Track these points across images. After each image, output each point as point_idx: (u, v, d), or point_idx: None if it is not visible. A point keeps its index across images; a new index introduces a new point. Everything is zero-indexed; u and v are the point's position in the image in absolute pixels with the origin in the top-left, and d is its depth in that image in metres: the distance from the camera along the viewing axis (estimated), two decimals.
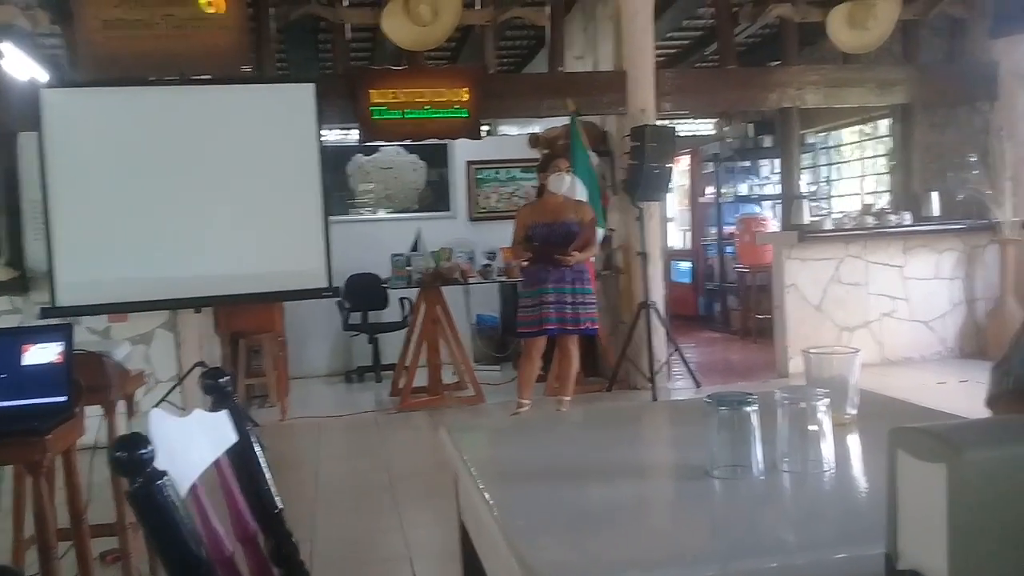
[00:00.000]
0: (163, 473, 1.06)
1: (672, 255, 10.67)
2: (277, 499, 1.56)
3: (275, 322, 6.19)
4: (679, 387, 6.44)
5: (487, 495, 1.31)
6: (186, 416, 1.35)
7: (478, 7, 6.26)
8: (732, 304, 9.41)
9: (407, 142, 7.55)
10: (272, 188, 5.43)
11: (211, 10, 5.52)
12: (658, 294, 6.45)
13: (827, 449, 1.30)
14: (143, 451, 1.04)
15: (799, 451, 1.31)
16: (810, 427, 1.30)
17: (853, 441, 1.48)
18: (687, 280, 10.47)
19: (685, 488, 1.37)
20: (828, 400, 1.32)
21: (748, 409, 1.28)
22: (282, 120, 5.50)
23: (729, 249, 9.52)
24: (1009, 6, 6.35)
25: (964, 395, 5.68)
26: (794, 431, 1.31)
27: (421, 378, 6.30)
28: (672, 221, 11.05)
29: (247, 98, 5.54)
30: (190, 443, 1.31)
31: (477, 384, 6.28)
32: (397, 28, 6.02)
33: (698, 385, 6.29)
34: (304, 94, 5.49)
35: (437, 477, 1.62)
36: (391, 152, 8.19)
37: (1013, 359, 1.51)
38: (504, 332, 7.84)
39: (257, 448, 1.57)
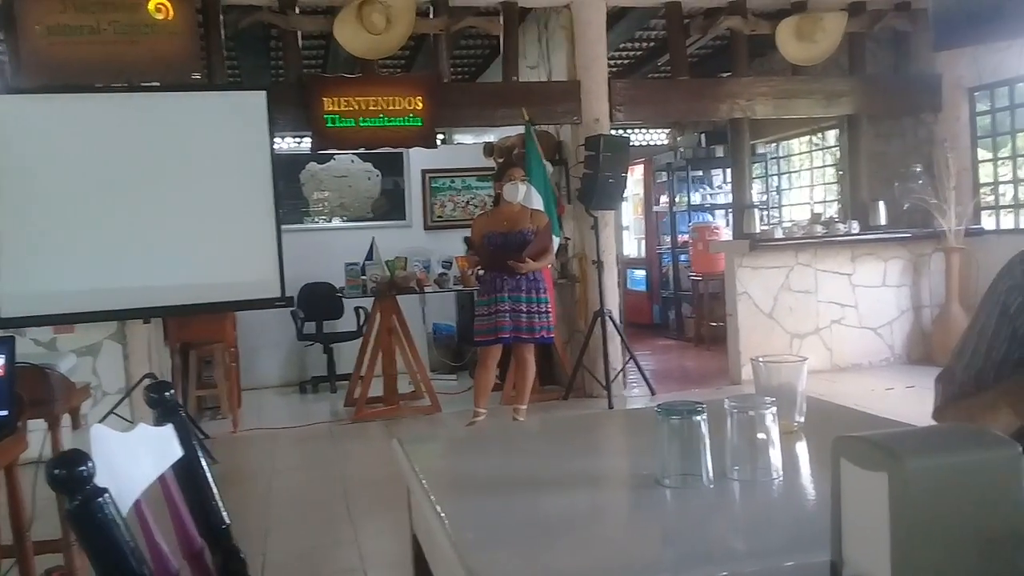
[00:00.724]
0: (104, 490, 1.03)
1: (627, 263, 10.75)
2: (224, 514, 1.53)
3: (227, 332, 6.10)
4: (635, 395, 6.48)
5: (438, 507, 1.30)
6: (129, 431, 1.32)
7: (432, 16, 6.25)
8: (686, 312, 9.51)
9: (361, 150, 7.51)
10: (223, 197, 5.36)
11: (159, 16, 5.44)
12: (613, 302, 6.48)
13: (775, 457, 1.32)
14: (82, 468, 1.01)
15: (748, 459, 1.32)
16: (758, 435, 1.32)
17: (801, 449, 1.50)
18: (642, 288, 10.56)
19: (637, 497, 1.38)
20: (776, 408, 1.34)
21: (697, 418, 1.29)
22: (233, 128, 5.43)
23: (683, 257, 9.62)
24: (951, 20, 6.52)
25: (911, 401, 5.80)
26: (743, 439, 1.32)
27: (377, 388, 6.25)
28: (627, 230, 11.14)
29: (197, 106, 5.46)
30: (133, 459, 1.28)
31: (433, 394, 6.25)
32: (350, 36, 5.99)
33: (653, 392, 6.33)
34: (256, 101, 5.44)
35: (392, 488, 1.61)
36: (345, 160, 8.13)
37: (956, 368, 1.54)
38: (461, 341, 7.83)
39: (204, 462, 1.54)
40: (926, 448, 0.79)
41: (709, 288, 8.54)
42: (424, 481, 1.45)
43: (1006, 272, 1.51)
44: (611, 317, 6.24)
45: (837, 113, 7.39)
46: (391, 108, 6.06)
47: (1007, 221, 6.99)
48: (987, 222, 7.08)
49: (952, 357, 1.57)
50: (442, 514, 1.27)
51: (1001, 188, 7.06)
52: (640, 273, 10.67)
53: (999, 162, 7.07)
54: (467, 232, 5.50)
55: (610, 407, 5.87)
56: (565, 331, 6.74)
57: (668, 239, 10.02)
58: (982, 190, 7.11)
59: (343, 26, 5.95)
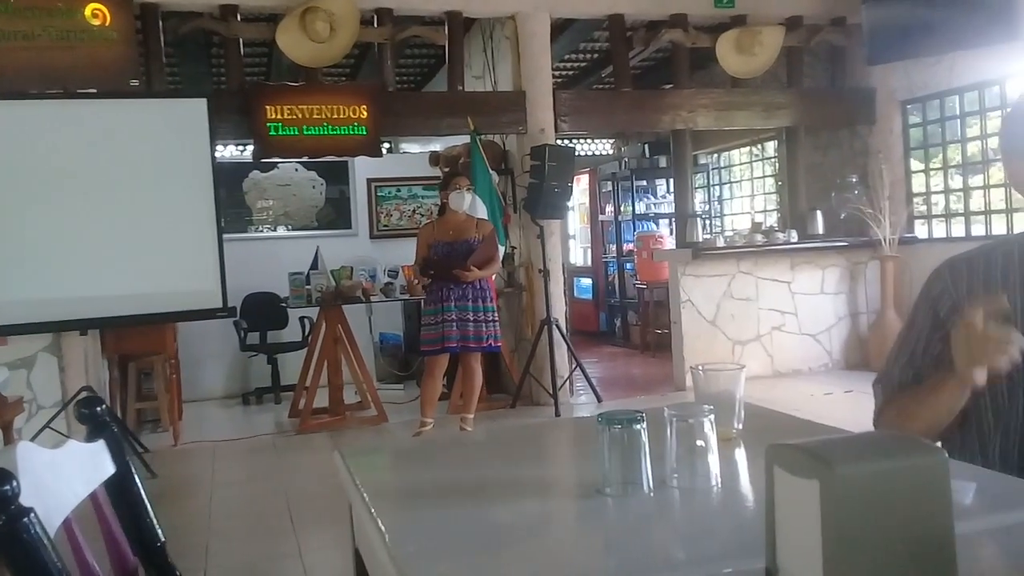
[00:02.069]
0: (29, 510, 1.00)
1: (574, 272, 10.82)
2: (159, 531, 1.50)
3: (167, 343, 5.97)
4: (582, 402, 6.52)
5: (378, 520, 1.28)
6: (58, 448, 1.28)
7: (376, 25, 6.22)
8: (632, 319, 9.60)
9: (305, 159, 7.43)
10: (163, 205, 5.26)
11: (96, 22, 5.33)
12: (560, 310, 6.51)
13: (714, 464, 1.33)
14: (6, 488, 0.97)
15: (687, 467, 1.33)
16: (697, 443, 1.33)
17: (740, 456, 1.52)
18: (589, 296, 10.64)
19: (579, 507, 1.38)
20: (714, 416, 1.35)
21: (637, 427, 1.29)
22: (173, 136, 5.35)
23: (628, 266, 9.72)
24: (884, 36, 6.72)
25: (850, 405, 5.94)
26: (682, 447, 1.33)
27: (322, 399, 6.18)
28: (573, 238, 11.22)
29: (135, 113, 5.36)
30: (62, 476, 1.24)
31: (379, 404, 6.20)
32: (293, 44, 5.93)
33: (600, 400, 6.37)
34: (196, 109, 5.36)
35: (336, 501, 1.59)
36: (289, 169, 8.05)
37: (893, 369, 1.59)
38: (408, 350, 7.78)
39: (137, 478, 1.51)
40: (856, 455, 0.81)
41: (654, 296, 8.64)
42: (365, 494, 1.43)
43: (935, 278, 1.59)
44: (557, 325, 6.26)
45: (776, 125, 7.55)
46: (335, 117, 6.02)
47: (939, 230, 7.21)
48: (920, 231, 7.29)
49: (888, 361, 1.62)
50: (382, 527, 1.25)
51: (933, 198, 7.28)
52: (586, 281, 10.75)
53: (931, 173, 7.29)
54: (414, 241, 5.47)
55: (557, 415, 5.90)
56: (512, 339, 6.75)
57: (614, 248, 10.12)
58: (915, 200, 7.32)
59: (286, 34, 5.89)
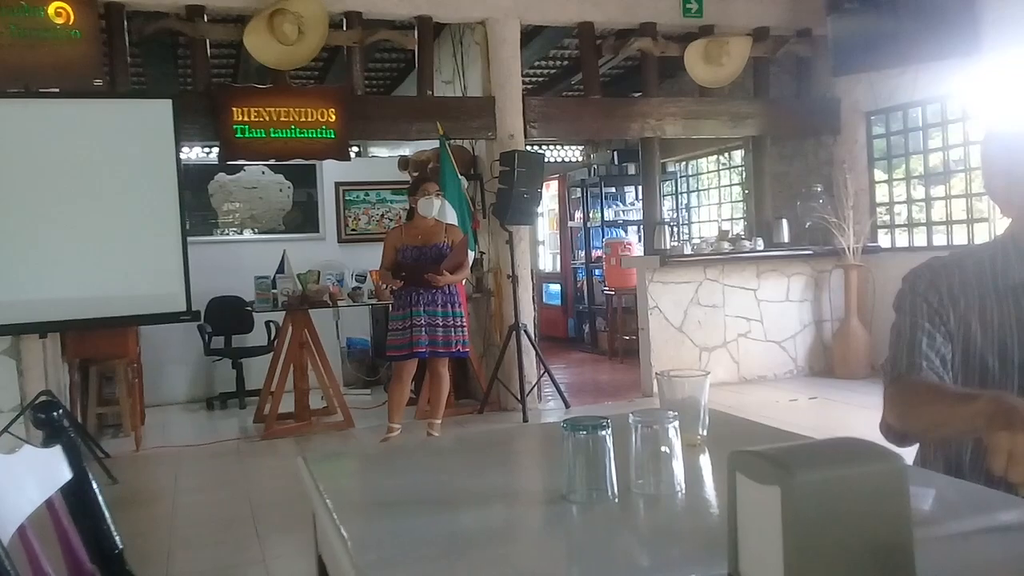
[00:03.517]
0: None
1: (543, 278, 10.84)
2: (117, 538, 1.47)
3: (129, 347, 5.87)
4: (550, 408, 6.52)
5: (341, 527, 1.27)
6: (13, 453, 1.26)
7: (345, 28, 6.19)
8: (600, 326, 9.63)
9: (272, 162, 7.37)
10: (126, 207, 5.19)
11: (59, 21, 5.25)
12: (528, 316, 6.52)
13: (678, 471, 1.34)
14: None
15: (651, 473, 1.34)
16: (662, 449, 1.33)
17: (704, 462, 1.52)
18: (557, 302, 10.66)
19: (543, 513, 1.38)
20: (679, 422, 1.36)
21: (601, 433, 1.30)
22: (137, 136, 5.29)
23: (597, 272, 9.75)
24: (848, 48, 6.82)
25: (814, 412, 6.01)
26: (646, 453, 1.34)
27: (288, 404, 6.12)
28: (543, 244, 11.24)
29: (99, 113, 5.29)
30: (16, 483, 1.22)
31: (346, 409, 6.15)
32: (261, 46, 5.88)
33: (568, 406, 6.38)
34: (161, 110, 5.31)
35: (301, 507, 1.57)
36: (256, 172, 7.97)
37: (898, 355, 1.63)
38: (375, 355, 7.74)
39: (95, 484, 1.48)
40: (816, 462, 0.81)
41: (622, 302, 8.67)
42: (328, 500, 1.42)
43: (917, 277, 1.65)
44: (526, 331, 6.26)
45: (742, 134, 7.63)
46: (303, 120, 5.98)
47: (901, 239, 7.32)
48: (883, 240, 7.40)
49: (892, 346, 1.65)
50: (344, 534, 1.24)
51: (896, 208, 7.39)
52: (555, 287, 10.77)
53: (894, 183, 7.40)
54: (382, 246, 5.44)
55: (525, 421, 5.89)
56: (480, 345, 6.74)
57: (583, 254, 10.15)
58: (878, 210, 7.43)
59: (254, 35, 5.84)
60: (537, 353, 6.45)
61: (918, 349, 1.58)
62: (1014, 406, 1.32)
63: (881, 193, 7.46)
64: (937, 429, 1.51)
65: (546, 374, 6.53)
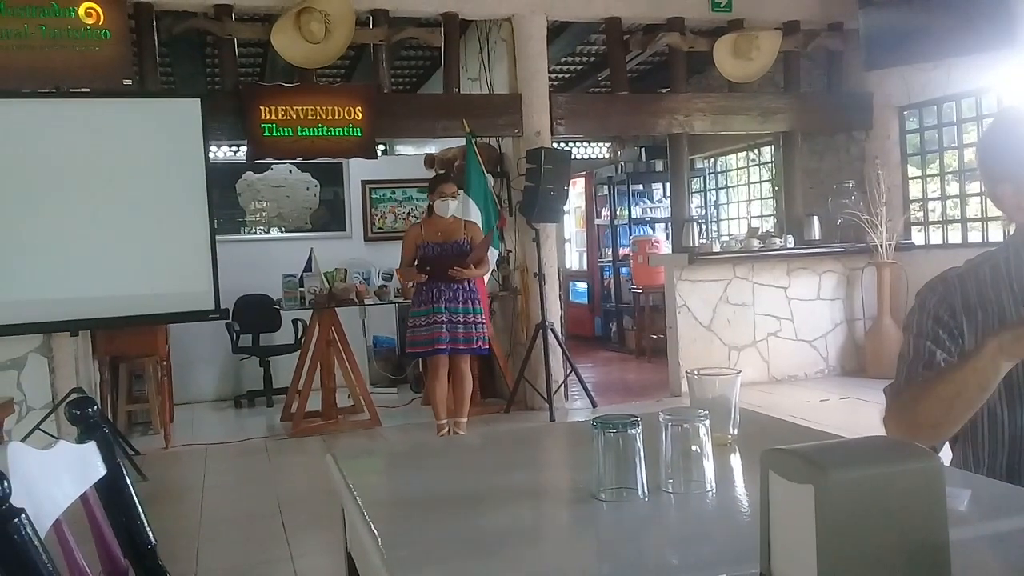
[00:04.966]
0: (20, 511, 0.99)
1: (569, 276, 10.81)
2: (150, 533, 1.48)
3: (159, 345, 5.94)
4: (577, 407, 6.50)
5: (372, 524, 1.27)
6: (49, 449, 1.27)
7: (372, 26, 6.21)
8: (628, 324, 9.59)
9: (299, 160, 7.42)
10: (155, 206, 5.24)
11: (90, 21, 5.31)
12: (555, 315, 6.50)
13: (709, 469, 1.32)
14: None
15: (682, 472, 1.32)
16: (693, 448, 1.32)
17: (735, 461, 1.51)
18: (584, 301, 10.63)
19: (573, 512, 1.37)
20: (709, 421, 1.34)
21: (632, 431, 1.28)
22: (167, 136, 5.33)
23: (624, 270, 9.71)
24: (881, 41, 6.73)
25: (845, 412, 5.93)
26: (677, 452, 1.32)
27: (315, 402, 6.16)
28: (569, 242, 11.21)
29: (129, 112, 5.34)
30: (53, 478, 1.23)
31: (373, 407, 6.18)
32: (288, 45, 5.92)
33: (595, 405, 6.36)
34: (190, 109, 5.35)
35: (329, 505, 1.58)
36: (283, 170, 8.03)
37: (903, 373, 1.60)
38: (402, 354, 7.76)
39: (129, 480, 1.49)
40: (851, 461, 0.80)
41: (650, 301, 8.62)
42: (358, 497, 1.42)
43: (929, 292, 1.62)
44: (553, 330, 6.25)
45: (772, 130, 7.54)
46: (330, 118, 6.00)
47: (936, 236, 7.22)
48: (917, 237, 7.30)
49: (899, 368, 1.62)
50: (375, 531, 1.24)
51: (930, 204, 7.29)
52: (582, 286, 10.73)
53: (927, 179, 7.29)
54: None
55: (552, 420, 5.88)
56: (507, 344, 6.74)
57: (610, 252, 10.11)
58: (912, 206, 7.33)
59: (281, 34, 5.87)
60: (564, 352, 6.44)
61: (920, 368, 1.56)
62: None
63: (914, 189, 7.36)
64: (954, 405, 1.45)
65: (573, 373, 6.51)
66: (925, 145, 7.27)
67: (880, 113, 7.37)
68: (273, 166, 7.90)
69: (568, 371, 6.50)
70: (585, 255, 10.81)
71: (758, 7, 7.00)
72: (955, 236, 7.01)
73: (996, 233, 6.64)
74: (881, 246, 6.94)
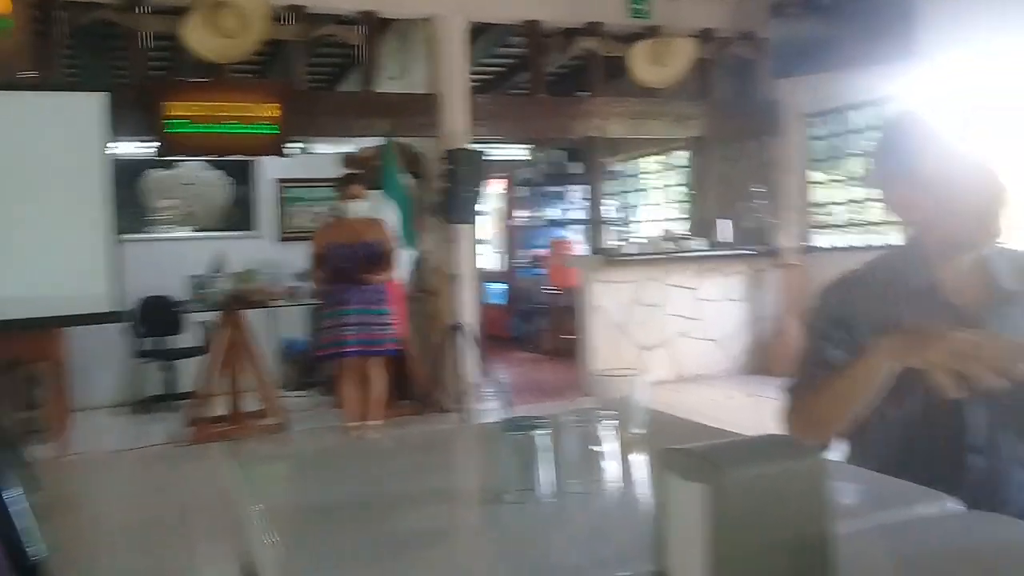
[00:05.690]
0: None
1: (486, 277, 10.80)
2: (39, 545, 1.41)
3: (55, 348, 5.66)
4: (490, 408, 6.49)
5: (271, 533, 1.24)
6: None
7: (288, 22, 6.08)
8: (543, 325, 9.64)
9: (211, 158, 7.23)
10: (52, 203, 5.03)
11: None
12: (470, 316, 6.49)
13: (613, 469, 1.33)
14: None
15: (587, 472, 1.32)
16: (597, 448, 1.32)
17: (639, 460, 1.52)
18: (500, 302, 10.64)
19: (479, 514, 1.36)
20: (615, 421, 1.35)
21: (537, 432, 1.28)
22: (68, 130, 5.12)
23: (541, 271, 9.77)
24: (788, 50, 6.95)
25: (751, 410, 6.09)
26: (581, 452, 1.32)
27: (222, 407, 5.98)
28: (487, 243, 11.21)
29: (29, 106, 5.11)
30: None
31: (282, 411, 6.04)
32: (200, 39, 5.75)
33: (509, 406, 6.36)
34: (94, 103, 5.16)
35: (233, 513, 1.53)
36: (194, 167, 7.80)
37: (803, 372, 1.64)
38: (314, 357, 7.62)
39: (15, 491, 1.41)
40: (741, 460, 0.81)
41: (565, 302, 8.68)
42: (258, 505, 1.38)
43: (827, 293, 1.68)
44: (467, 331, 6.23)
45: (686, 135, 7.70)
46: (242, 115, 5.85)
47: (838, 240, 7.47)
48: (821, 240, 7.55)
49: (798, 369, 1.66)
50: (274, 540, 1.21)
51: (833, 209, 7.55)
52: (499, 287, 10.75)
53: (832, 184, 7.55)
54: None
55: (464, 422, 5.87)
56: (421, 345, 6.69)
57: (527, 253, 10.15)
58: (816, 210, 7.58)
59: (193, 28, 5.70)
60: (478, 353, 6.43)
61: (819, 367, 1.60)
62: (917, 327, 1.38)
63: (820, 194, 7.61)
64: (847, 403, 1.50)
65: (487, 374, 6.51)
66: (829, 151, 7.52)
67: (788, 120, 7.59)
68: (183, 163, 7.66)
69: (483, 372, 6.49)
70: (503, 256, 10.84)
71: (674, 14, 7.13)
72: (858, 240, 7.28)
73: (897, 237, 6.92)
74: (786, 249, 7.15)
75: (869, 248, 7.01)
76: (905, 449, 1.55)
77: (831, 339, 1.60)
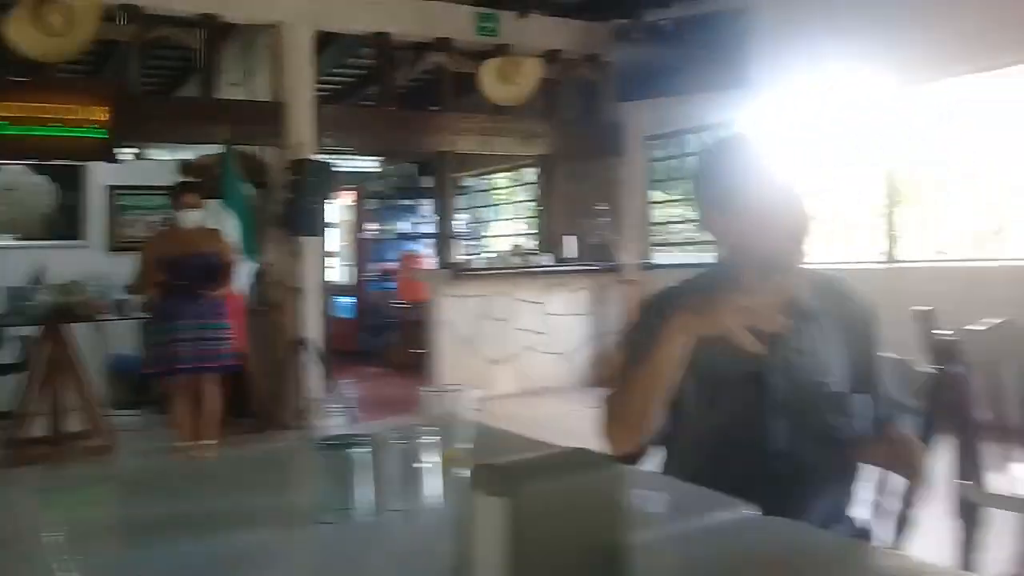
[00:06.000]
0: None
1: (335, 290, 10.61)
2: None
3: None
4: (334, 424, 6.34)
5: (76, 561, 1.16)
6: None
7: (123, 22, 5.78)
8: (392, 339, 9.56)
9: (33, 161, 6.75)
10: None
11: None
12: (315, 330, 6.34)
13: (436, 486, 1.33)
14: None
15: (409, 489, 1.32)
16: (420, 465, 1.32)
17: (463, 476, 1.52)
18: (349, 315, 10.47)
19: (299, 535, 1.32)
20: (439, 437, 1.35)
21: (356, 451, 1.26)
22: None
23: (390, 285, 9.69)
24: (631, 76, 7.23)
25: (591, 421, 6.24)
26: (404, 470, 1.31)
27: (41, 428, 5.56)
28: (336, 256, 11.02)
29: None
30: None
31: (109, 432, 5.68)
32: (23, 35, 5.37)
33: (353, 421, 6.24)
34: None
35: (44, 541, 1.43)
36: (15, 171, 7.26)
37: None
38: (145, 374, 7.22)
39: None
40: (542, 473, 0.83)
41: (415, 316, 8.65)
42: (65, 531, 1.30)
43: (645, 304, 1.78)
44: (312, 345, 6.09)
45: (533, 152, 7.85)
46: (68, 117, 5.50)
47: (677, 257, 7.81)
48: (660, 257, 7.87)
49: (616, 382, 1.71)
50: (76, 570, 1.13)
51: (672, 227, 7.89)
52: (347, 300, 10.57)
53: (670, 204, 7.90)
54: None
55: (306, 439, 5.71)
56: (262, 361, 6.47)
57: (376, 267, 10.05)
58: (656, 229, 7.90)
59: (16, 24, 5.32)
60: (323, 368, 6.29)
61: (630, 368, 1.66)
62: (703, 299, 1.48)
63: (659, 213, 7.93)
64: (650, 393, 1.56)
65: (332, 389, 6.38)
66: (668, 173, 7.86)
67: (631, 141, 7.88)
68: (2, 167, 7.11)
69: (328, 388, 6.36)
70: (352, 269, 10.68)
71: (522, 34, 7.27)
72: (695, 258, 7.62)
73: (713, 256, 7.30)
74: (628, 265, 7.42)
75: (704, 265, 7.37)
76: (714, 457, 1.63)
77: (641, 345, 1.65)
